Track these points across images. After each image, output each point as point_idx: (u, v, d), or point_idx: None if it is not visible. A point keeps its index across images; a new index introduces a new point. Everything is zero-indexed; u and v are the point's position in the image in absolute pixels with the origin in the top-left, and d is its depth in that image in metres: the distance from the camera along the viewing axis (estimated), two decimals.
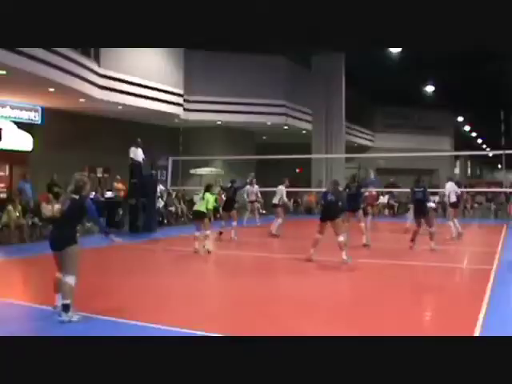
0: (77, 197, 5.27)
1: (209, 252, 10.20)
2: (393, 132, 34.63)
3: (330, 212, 8.93)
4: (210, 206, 10.68)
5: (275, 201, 13.73)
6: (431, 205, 10.69)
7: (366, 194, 13.37)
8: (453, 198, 12.71)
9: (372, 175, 12.76)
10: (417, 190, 10.65)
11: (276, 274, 8.81)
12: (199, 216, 10.53)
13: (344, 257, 8.71)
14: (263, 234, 13.80)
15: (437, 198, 24.63)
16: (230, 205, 12.87)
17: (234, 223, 12.61)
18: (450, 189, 12.80)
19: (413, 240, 10.60)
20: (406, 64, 22.11)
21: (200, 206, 10.58)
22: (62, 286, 5.17)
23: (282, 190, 13.72)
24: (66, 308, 5.06)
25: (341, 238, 8.78)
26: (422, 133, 35.04)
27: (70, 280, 5.13)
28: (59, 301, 5.19)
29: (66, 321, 5.03)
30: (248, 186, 15.26)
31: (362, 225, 11.16)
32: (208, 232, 10.39)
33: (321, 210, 9.14)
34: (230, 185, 13.26)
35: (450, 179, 13.76)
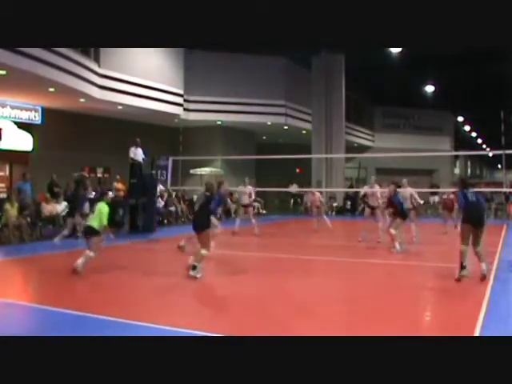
0: (208, 193, 7.77)
1: (76, 272, 7.73)
2: (393, 132, 34.65)
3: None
4: (105, 221, 8.14)
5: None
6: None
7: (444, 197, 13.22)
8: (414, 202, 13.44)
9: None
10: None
11: (276, 273, 8.80)
12: (88, 233, 8.19)
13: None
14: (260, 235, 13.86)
15: (437, 198, 24.75)
16: None
17: None
18: (413, 193, 13.14)
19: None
20: (406, 64, 22.14)
21: (92, 220, 8.23)
22: (197, 255, 7.51)
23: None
24: (194, 267, 7.39)
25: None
26: (421, 133, 35.07)
27: (205, 252, 7.50)
28: (191, 260, 7.52)
29: (191, 275, 7.34)
30: (240, 187, 14.75)
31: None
32: (91, 254, 7.90)
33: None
34: None
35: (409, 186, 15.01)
